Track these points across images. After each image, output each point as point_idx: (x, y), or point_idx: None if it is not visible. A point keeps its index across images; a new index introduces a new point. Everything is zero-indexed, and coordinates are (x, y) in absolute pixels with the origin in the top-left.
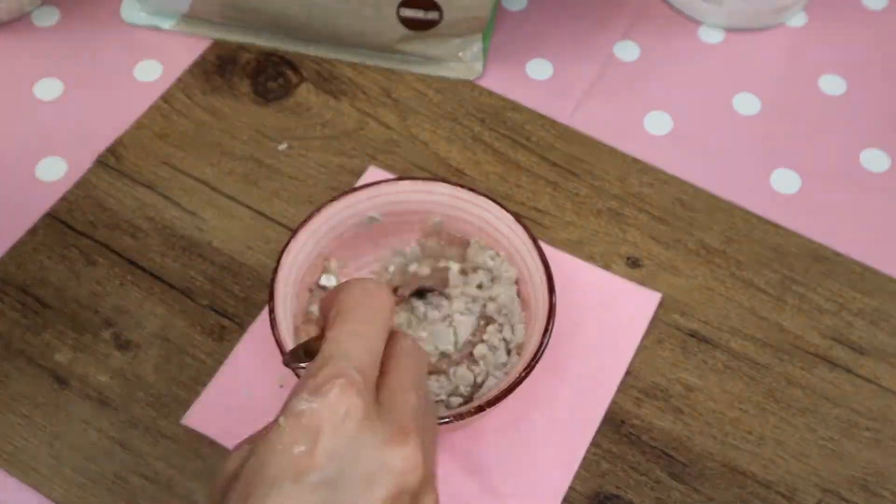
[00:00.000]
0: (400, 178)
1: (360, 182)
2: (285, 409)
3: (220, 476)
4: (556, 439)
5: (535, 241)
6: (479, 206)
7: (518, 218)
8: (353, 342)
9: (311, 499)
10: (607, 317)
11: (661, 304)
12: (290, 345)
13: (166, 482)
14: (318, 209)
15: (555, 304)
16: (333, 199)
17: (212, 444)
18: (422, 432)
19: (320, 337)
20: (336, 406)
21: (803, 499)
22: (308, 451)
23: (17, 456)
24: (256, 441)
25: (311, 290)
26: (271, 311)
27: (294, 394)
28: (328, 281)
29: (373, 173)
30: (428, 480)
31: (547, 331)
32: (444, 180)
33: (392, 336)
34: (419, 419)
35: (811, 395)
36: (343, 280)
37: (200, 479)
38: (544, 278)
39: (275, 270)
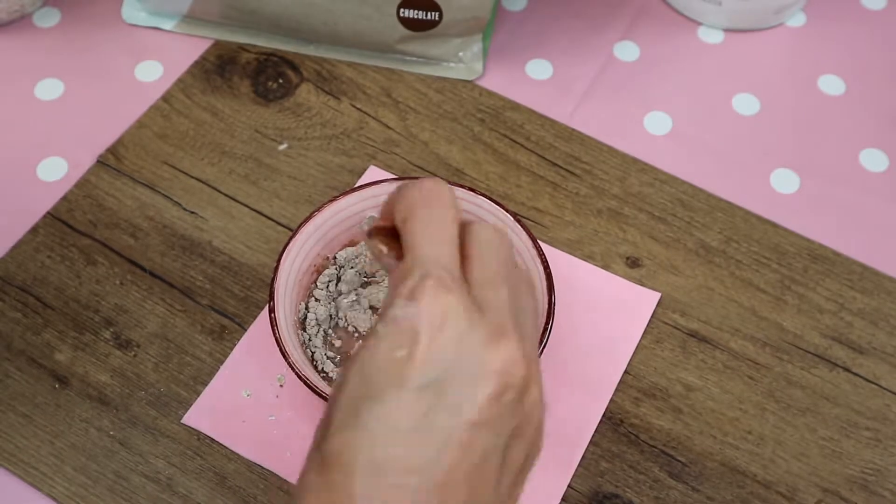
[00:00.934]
0: (400, 178)
1: (361, 182)
2: (383, 317)
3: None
4: (555, 438)
5: (534, 240)
6: (479, 206)
7: (517, 218)
8: (432, 243)
9: (418, 403)
10: (606, 316)
11: (660, 304)
12: (290, 345)
13: (167, 481)
14: (319, 209)
15: (554, 304)
16: (334, 198)
17: (212, 443)
18: (519, 325)
19: (391, 228)
20: (433, 307)
21: (803, 498)
22: (409, 354)
23: (17, 455)
24: (357, 353)
25: (310, 291)
26: (271, 311)
27: (388, 304)
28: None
29: (373, 173)
30: (531, 374)
31: (546, 330)
32: (443, 180)
33: (467, 228)
34: (514, 311)
35: (811, 394)
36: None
37: (201, 478)
38: (544, 278)
39: (275, 270)
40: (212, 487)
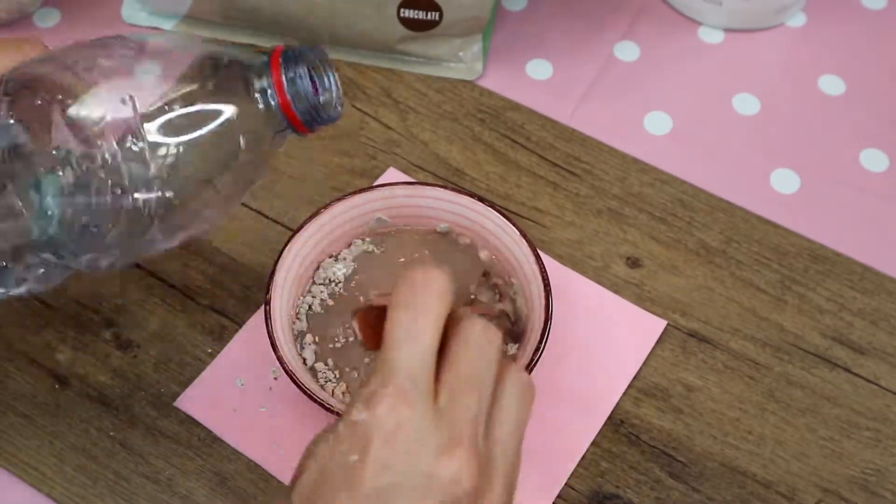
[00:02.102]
0: (407, 183)
1: (379, 182)
2: (345, 415)
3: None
4: (549, 453)
5: (537, 255)
6: (485, 215)
7: (524, 234)
8: (406, 345)
9: None
10: (610, 341)
11: (660, 304)
12: (283, 339)
13: (167, 481)
14: (326, 206)
15: (550, 321)
16: (341, 197)
17: (212, 443)
18: (478, 435)
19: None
20: (385, 419)
21: (803, 499)
22: (360, 461)
23: (17, 455)
24: (317, 442)
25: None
26: (267, 304)
27: (352, 402)
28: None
29: (392, 174)
30: (486, 486)
31: (538, 349)
32: (452, 188)
33: (456, 321)
34: (477, 420)
35: (811, 395)
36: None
37: (201, 479)
38: (542, 294)
39: (276, 262)
40: (212, 488)
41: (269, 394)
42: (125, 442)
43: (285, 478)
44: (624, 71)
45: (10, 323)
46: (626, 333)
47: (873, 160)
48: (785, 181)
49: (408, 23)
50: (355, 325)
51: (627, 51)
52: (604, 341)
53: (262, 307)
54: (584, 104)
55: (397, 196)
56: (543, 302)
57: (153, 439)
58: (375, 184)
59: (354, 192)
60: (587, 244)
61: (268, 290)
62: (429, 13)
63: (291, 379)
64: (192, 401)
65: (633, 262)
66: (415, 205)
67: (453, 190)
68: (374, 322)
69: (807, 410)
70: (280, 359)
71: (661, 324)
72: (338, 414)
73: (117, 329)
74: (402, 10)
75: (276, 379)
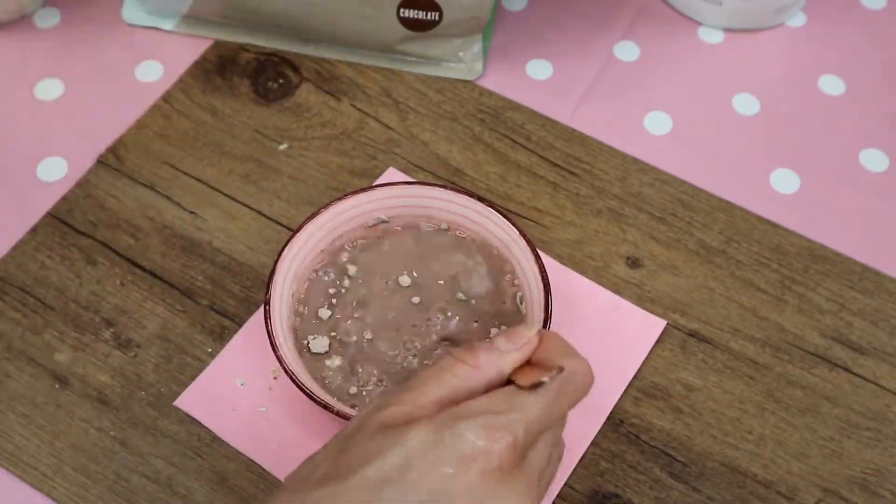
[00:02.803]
0: (407, 183)
1: (379, 181)
2: (455, 426)
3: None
4: None
5: (536, 255)
6: (487, 217)
7: (524, 234)
8: (542, 411)
9: None
10: (610, 340)
11: (660, 304)
12: (282, 339)
13: (167, 481)
14: (326, 206)
15: (550, 316)
16: (340, 197)
17: (212, 443)
18: (541, 494)
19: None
20: (495, 454)
21: (803, 499)
22: (453, 475)
23: (17, 455)
24: (411, 430)
25: (309, 279)
26: (266, 304)
27: (469, 416)
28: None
29: (392, 174)
30: None
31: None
32: (452, 187)
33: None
34: (542, 481)
35: (811, 395)
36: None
37: (201, 478)
38: (542, 295)
39: (276, 262)
40: (212, 487)
41: (269, 394)
42: (125, 442)
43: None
44: (624, 71)
45: (10, 322)
46: (625, 333)
47: (873, 160)
48: (785, 181)
49: (408, 23)
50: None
51: (627, 51)
52: (603, 341)
53: (262, 307)
54: (584, 104)
55: (397, 196)
56: (543, 302)
57: (153, 439)
58: (375, 184)
59: (354, 192)
60: (587, 244)
61: (267, 290)
62: (429, 13)
63: (291, 379)
64: (192, 401)
65: (633, 262)
66: (415, 205)
67: (453, 190)
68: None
69: (807, 410)
70: (280, 359)
71: (660, 324)
72: (338, 414)
73: (117, 329)
74: (402, 10)
75: (275, 379)
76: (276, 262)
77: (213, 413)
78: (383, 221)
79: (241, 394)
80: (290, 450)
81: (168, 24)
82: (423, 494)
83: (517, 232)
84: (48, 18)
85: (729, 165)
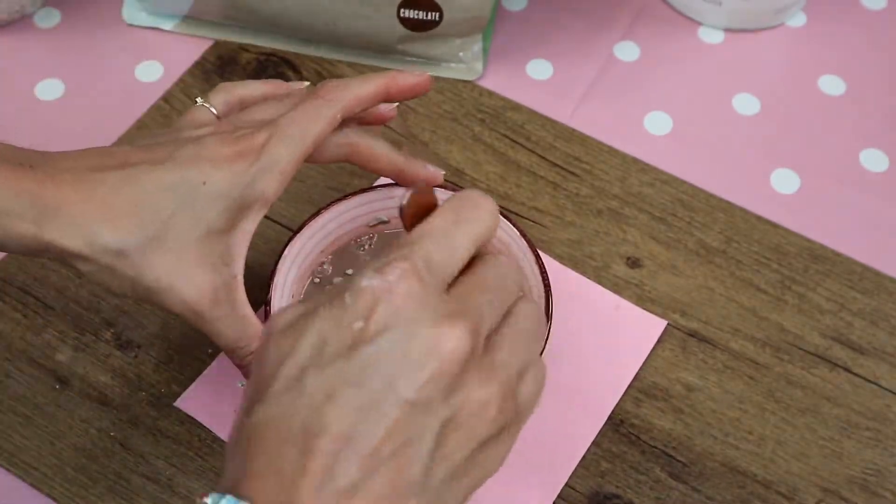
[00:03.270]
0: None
1: (377, 182)
2: (351, 283)
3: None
4: (552, 448)
5: (537, 255)
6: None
7: (524, 233)
8: (439, 241)
9: (360, 374)
10: (611, 341)
11: (660, 304)
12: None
13: (167, 481)
14: (326, 207)
15: (551, 316)
16: (340, 198)
17: (213, 443)
18: (480, 328)
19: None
20: (395, 284)
21: (803, 499)
22: (364, 327)
23: (18, 455)
24: (316, 308)
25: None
26: (266, 304)
27: (359, 272)
28: None
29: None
30: (474, 371)
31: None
32: (452, 187)
33: (482, 255)
34: (482, 318)
35: (811, 395)
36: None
37: (201, 479)
38: (542, 293)
39: (276, 263)
40: (212, 487)
41: None
42: (125, 442)
43: None
44: (624, 71)
45: (11, 323)
46: (626, 334)
47: (873, 160)
48: (785, 181)
49: (408, 23)
50: (405, 200)
51: (627, 51)
52: (604, 341)
53: (263, 308)
54: (584, 104)
55: (396, 196)
56: (543, 302)
57: (153, 439)
58: (375, 184)
59: (354, 193)
60: (587, 244)
61: (268, 291)
62: (429, 13)
63: None
64: (193, 401)
65: (633, 262)
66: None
67: (453, 189)
68: (421, 212)
69: (807, 410)
70: None
71: (661, 324)
72: None
73: (118, 330)
74: (402, 10)
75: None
76: (276, 262)
77: (213, 414)
78: (383, 222)
79: (242, 394)
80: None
81: (168, 25)
82: (344, 360)
83: (517, 232)
84: (48, 18)
85: (729, 165)
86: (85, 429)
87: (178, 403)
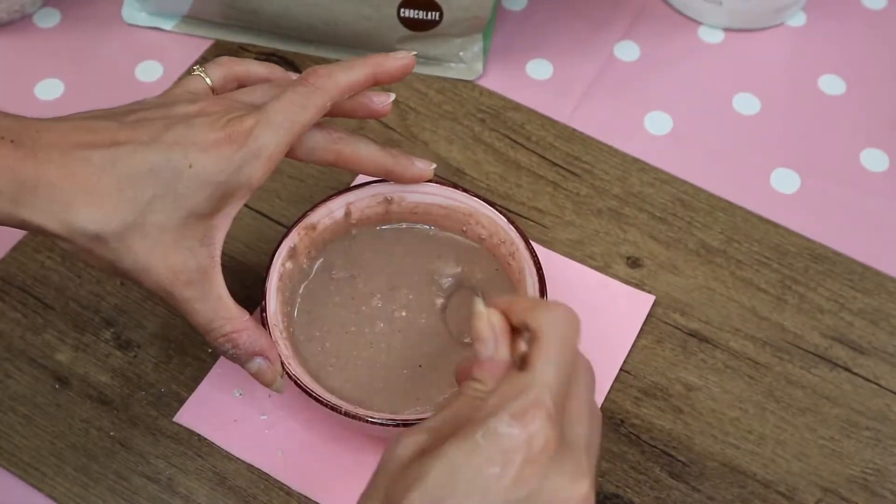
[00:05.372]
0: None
1: (356, 181)
2: (485, 425)
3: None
4: None
5: (527, 242)
6: (467, 205)
7: (510, 217)
8: (554, 373)
9: None
10: (601, 318)
11: (660, 304)
12: (281, 345)
13: (167, 481)
14: (316, 205)
15: (541, 270)
16: (328, 197)
17: (212, 443)
18: (590, 463)
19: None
20: (535, 437)
21: (803, 498)
22: (500, 474)
23: (18, 455)
24: (445, 445)
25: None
26: (263, 311)
27: (492, 413)
28: None
29: None
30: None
31: (543, 289)
32: (448, 183)
33: (576, 370)
34: (591, 449)
35: (811, 394)
36: None
37: (201, 478)
38: (536, 281)
39: (268, 268)
40: (212, 487)
41: (269, 401)
42: (125, 442)
43: (294, 484)
44: (624, 71)
45: (10, 322)
46: (614, 310)
47: (873, 160)
48: (785, 181)
49: (408, 23)
50: (494, 317)
51: (627, 50)
52: (593, 319)
53: (259, 313)
54: (584, 104)
55: (383, 192)
56: (537, 285)
57: (153, 439)
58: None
59: (345, 190)
60: (587, 244)
61: (263, 298)
62: (429, 13)
63: (297, 384)
64: (192, 414)
65: (634, 262)
66: (411, 201)
67: (450, 186)
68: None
69: (807, 410)
70: (283, 364)
71: (649, 299)
72: (346, 415)
73: (117, 329)
74: (402, 10)
75: (240, 395)
76: (268, 267)
77: (215, 426)
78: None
79: (241, 404)
80: (295, 455)
81: (168, 25)
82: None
83: (504, 218)
84: (48, 18)
85: (729, 165)
86: (85, 429)
87: (177, 419)
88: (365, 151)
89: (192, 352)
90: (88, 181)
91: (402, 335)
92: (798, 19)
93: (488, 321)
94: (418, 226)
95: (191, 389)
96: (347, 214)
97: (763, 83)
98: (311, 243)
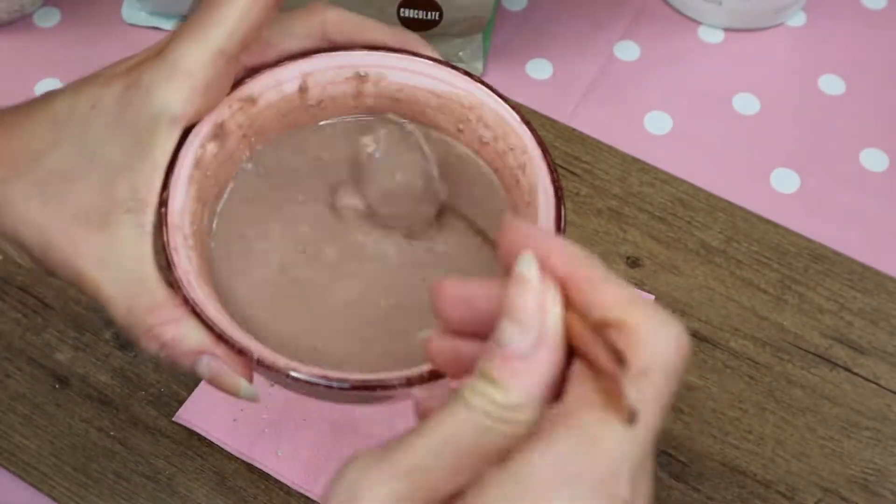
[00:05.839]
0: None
1: None
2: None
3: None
4: None
5: (546, 152)
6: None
7: (526, 120)
8: (646, 437)
9: None
10: None
11: (660, 304)
12: (183, 252)
13: (167, 481)
14: (256, 73)
15: (564, 225)
16: (279, 62)
17: (213, 443)
18: None
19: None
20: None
21: (803, 498)
22: None
23: (18, 455)
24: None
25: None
26: (162, 205)
27: (552, 490)
28: None
29: None
30: None
31: (560, 220)
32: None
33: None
34: None
35: (811, 394)
36: None
37: (201, 478)
38: (553, 208)
39: (178, 145)
40: (212, 487)
41: (269, 400)
42: (125, 442)
43: (294, 484)
44: (624, 71)
45: (10, 322)
46: None
47: (873, 160)
48: (785, 181)
49: (408, 23)
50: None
51: (627, 50)
52: None
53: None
54: (584, 104)
55: (354, 64)
56: (554, 208)
57: (153, 439)
58: None
59: (298, 56)
60: (587, 244)
61: (164, 186)
62: (429, 13)
63: (197, 313)
64: (192, 414)
65: (633, 262)
66: (394, 81)
67: (449, 66)
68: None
69: (807, 410)
70: (181, 285)
71: (648, 298)
72: (259, 363)
73: (117, 329)
74: (402, 10)
75: (272, 386)
76: (180, 142)
77: (214, 425)
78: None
79: (241, 403)
80: (295, 455)
81: (168, 24)
82: None
83: (517, 115)
84: (48, 18)
85: (729, 165)
86: (85, 428)
87: (177, 418)
88: (360, 17)
89: None
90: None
91: (356, 263)
92: (798, 19)
93: (539, 296)
94: (394, 118)
95: (191, 389)
96: (303, 90)
97: (763, 83)
98: (247, 123)
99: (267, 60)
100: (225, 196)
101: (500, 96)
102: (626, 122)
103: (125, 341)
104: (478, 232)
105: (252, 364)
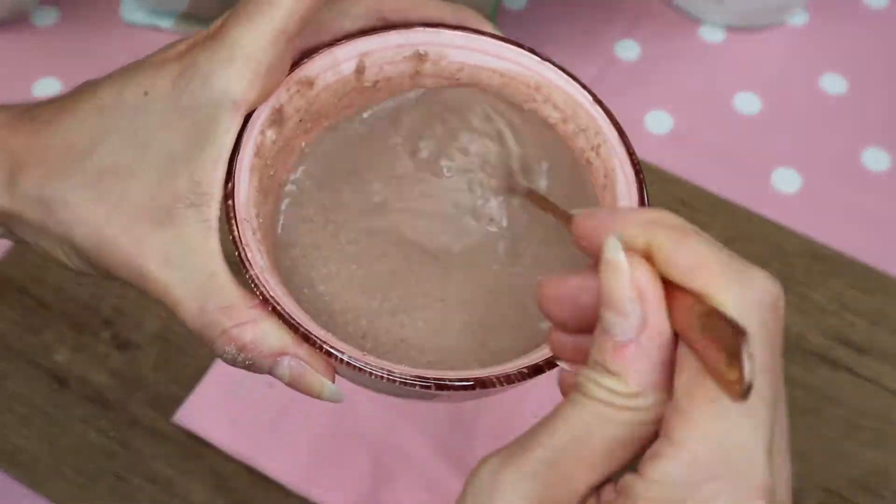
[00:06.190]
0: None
1: None
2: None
3: None
4: None
5: (621, 132)
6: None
7: (598, 99)
8: (773, 382)
9: None
10: None
11: None
12: (257, 253)
13: (165, 482)
14: (313, 53)
15: (642, 173)
16: (336, 41)
17: (211, 443)
18: None
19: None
20: None
21: (804, 499)
22: None
23: (16, 455)
24: None
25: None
26: (229, 198)
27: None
28: None
29: None
30: None
31: (644, 204)
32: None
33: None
34: None
35: (813, 395)
36: None
37: (200, 479)
38: (635, 191)
39: (239, 135)
40: (211, 488)
41: (268, 401)
42: (125, 442)
43: (294, 484)
44: (624, 70)
45: (9, 323)
46: None
47: (875, 160)
48: (786, 180)
49: None
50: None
51: (628, 50)
52: None
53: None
54: None
55: (414, 43)
56: (636, 189)
57: (152, 440)
58: None
59: (354, 36)
60: None
61: (230, 178)
62: None
63: (277, 311)
64: (191, 415)
65: None
66: (454, 60)
67: (514, 43)
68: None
69: (808, 410)
70: (259, 282)
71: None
72: (348, 365)
73: (116, 330)
74: None
75: (270, 387)
76: (241, 132)
77: (213, 427)
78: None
79: (240, 404)
80: (294, 455)
81: (167, 23)
82: None
83: (590, 95)
84: (46, 17)
85: (730, 165)
86: (84, 429)
87: (177, 420)
88: (429, 10)
89: (190, 352)
90: (37, 138)
91: (440, 262)
92: (799, 18)
93: (632, 279)
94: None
95: (189, 390)
96: (359, 71)
97: (764, 82)
98: (304, 107)
99: (321, 42)
100: (288, 185)
101: (571, 75)
102: (627, 122)
103: (123, 341)
104: (559, 214)
105: (336, 364)
